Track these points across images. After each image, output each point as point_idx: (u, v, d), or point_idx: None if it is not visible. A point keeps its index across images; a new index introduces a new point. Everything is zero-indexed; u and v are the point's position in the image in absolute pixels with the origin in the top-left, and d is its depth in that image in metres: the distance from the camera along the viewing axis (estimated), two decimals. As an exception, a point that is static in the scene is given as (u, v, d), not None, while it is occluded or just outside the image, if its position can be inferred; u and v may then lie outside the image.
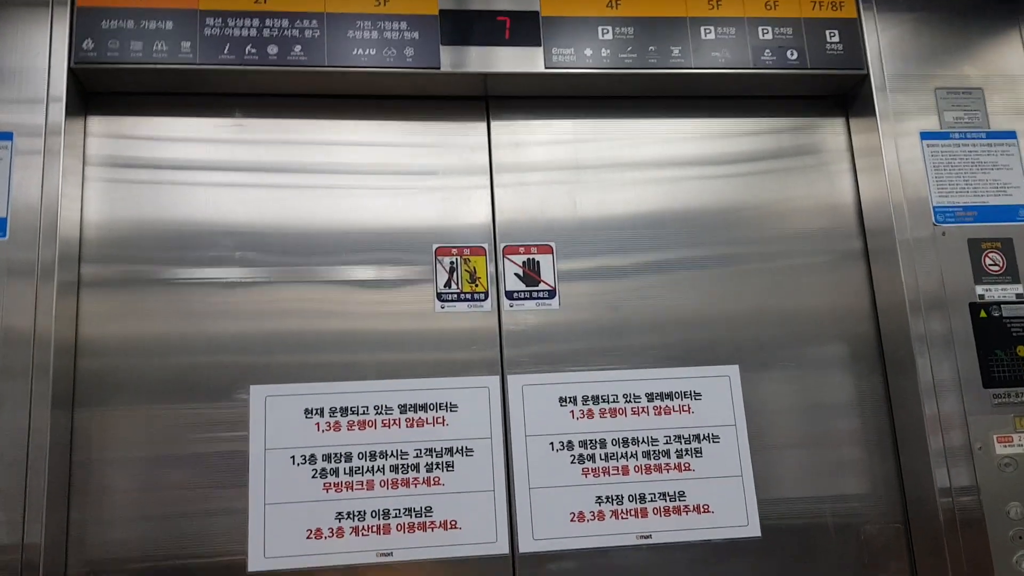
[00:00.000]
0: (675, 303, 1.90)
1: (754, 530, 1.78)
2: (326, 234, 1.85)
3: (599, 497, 1.77)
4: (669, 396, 1.83)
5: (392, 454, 1.75)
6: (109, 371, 1.72)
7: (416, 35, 1.84)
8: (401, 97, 1.93)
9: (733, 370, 1.86)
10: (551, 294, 1.87)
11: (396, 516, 1.72)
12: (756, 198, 1.99)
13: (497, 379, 1.81)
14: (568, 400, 1.81)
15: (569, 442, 1.79)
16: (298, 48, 1.79)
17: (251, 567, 1.66)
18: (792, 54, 1.94)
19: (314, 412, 1.75)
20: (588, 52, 1.88)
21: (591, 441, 1.79)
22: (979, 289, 1.85)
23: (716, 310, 1.91)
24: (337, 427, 1.75)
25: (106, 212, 1.80)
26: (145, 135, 1.85)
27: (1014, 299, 1.85)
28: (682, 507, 1.78)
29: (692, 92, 2.00)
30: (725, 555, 1.78)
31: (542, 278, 1.87)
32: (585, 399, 1.81)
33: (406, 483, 1.74)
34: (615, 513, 1.76)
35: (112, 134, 1.84)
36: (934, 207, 1.89)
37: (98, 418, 1.70)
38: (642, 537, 1.76)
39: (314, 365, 1.78)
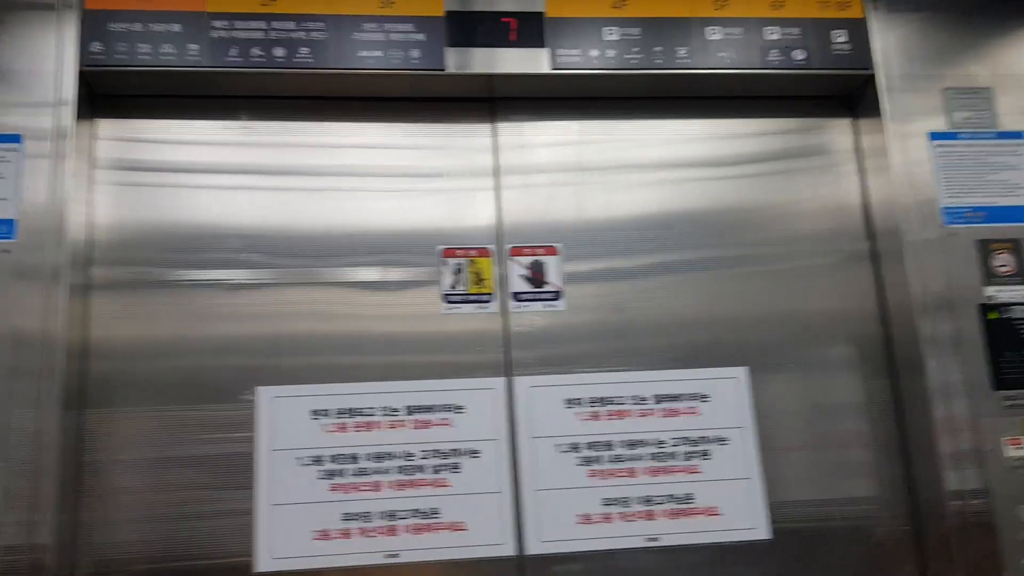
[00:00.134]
0: (682, 305, 1.89)
1: (763, 533, 1.77)
2: (332, 236, 1.85)
3: (606, 499, 1.76)
4: (676, 398, 1.82)
5: (398, 455, 1.75)
6: (118, 373, 1.73)
7: (422, 37, 1.84)
8: (407, 99, 1.94)
9: (741, 372, 1.85)
10: (557, 296, 1.87)
11: (403, 517, 1.72)
12: (763, 199, 1.98)
13: (503, 381, 1.81)
14: (574, 402, 1.80)
15: (576, 444, 1.78)
16: (304, 50, 1.80)
17: (257, 568, 1.66)
18: (799, 54, 1.93)
19: (320, 413, 1.75)
20: (594, 53, 1.88)
21: (598, 443, 1.79)
22: (988, 290, 1.84)
23: (723, 312, 1.90)
24: (343, 428, 1.75)
25: (114, 215, 1.81)
26: (153, 138, 1.86)
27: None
28: (690, 509, 1.77)
29: (698, 93, 2.00)
30: (734, 558, 1.77)
31: (548, 280, 1.87)
32: (591, 401, 1.81)
33: (413, 484, 1.73)
34: (622, 515, 1.75)
35: (120, 137, 1.85)
36: (942, 208, 1.88)
37: (107, 420, 1.71)
38: (650, 540, 1.75)
39: (320, 367, 1.78)
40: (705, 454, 1.80)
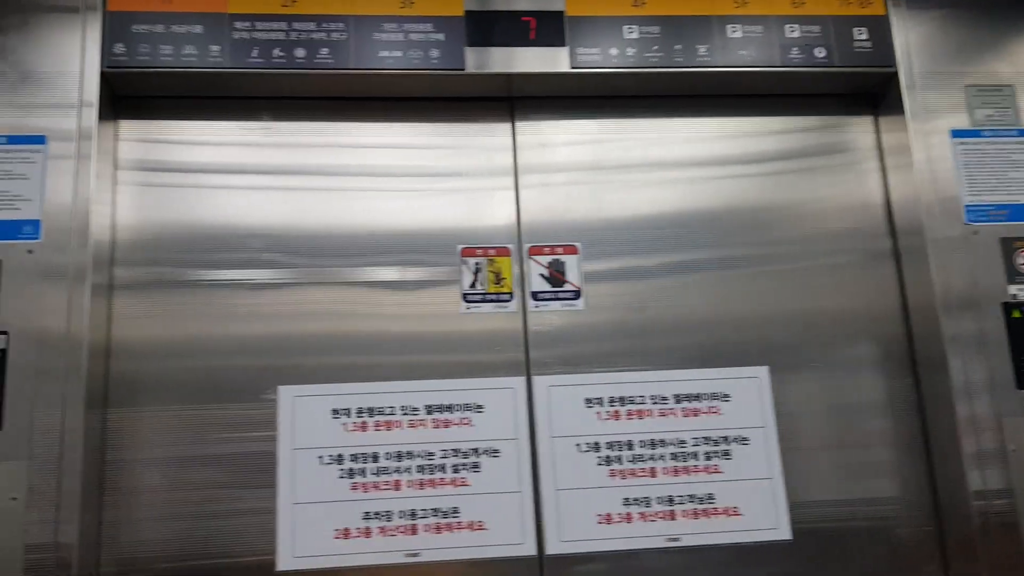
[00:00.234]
0: (702, 304, 1.89)
1: (784, 533, 1.76)
2: (353, 236, 1.86)
3: (626, 499, 1.76)
4: (697, 397, 1.82)
5: (418, 454, 1.75)
6: (140, 372, 1.74)
7: (441, 36, 1.84)
8: (426, 99, 1.94)
9: (762, 371, 1.85)
10: (576, 295, 1.86)
11: (423, 516, 1.72)
12: (783, 197, 1.97)
13: (523, 380, 1.81)
14: (594, 401, 1.80)
15: (596, 443, 1.78)
16: (325, 51, 1.81)
17: (279, 567, 1.67)
18: (820, 52, 1.92)
19: (341, 412, 1.76)
20: (613, 51, 1.87)
21: (618, 443, 1.78)
22: (1012, 289, 1.82)
23: (744, 311, 1.89)
24: (364, 427, 1.75)
25: (137, 215, 1.82)
26: (175, 139, 1.87)
27: (1049, 299, 1.82)
28: (711, 510, 1.76)
29: (718, 91, 1.99)
30: (755, 558, 1.76)
31: (567, 279, 1.87)
32: (611, 400, 1.80)
33: (432, 484, 1.74)
34: (643, 515, 1.75)
35: (142, 138, 1.87)
36: (965, 206, 1.86)
37: (129, 419, 1.72)
38: (670, 540, 1.75)
39: (341, 366, 1.79)
40: (726, 454, 1.80)
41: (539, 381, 1.81)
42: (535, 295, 1.86)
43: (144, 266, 1.80)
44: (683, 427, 1.80)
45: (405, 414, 1.77)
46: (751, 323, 1.89)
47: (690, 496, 1.77)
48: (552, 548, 1.72)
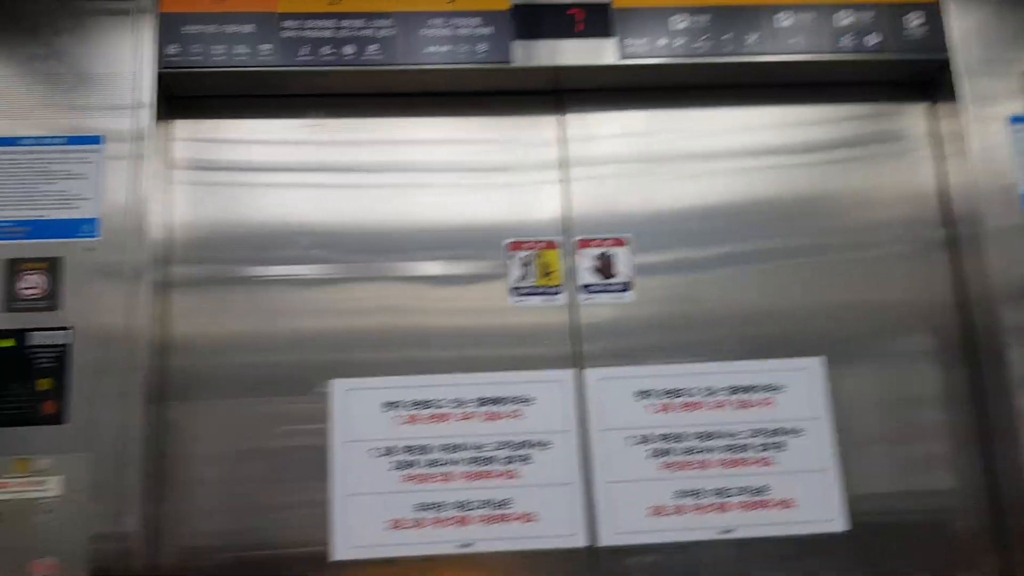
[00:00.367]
0: (753, 295, 1.87)
1: (840, 525, 1.75)
2: (402, 232, 1.87)
3: (679, 491, 1.75)
4: (750, 389, 1.81)
5: (470, 447, 1.76)
6: (196, 368, 1.77)
7: (488, 30, 1.85)
8: (474, 93, 1.94)
9: (816, 362, 1.83)
10: (626, 287, 1.86)
11: (475, 508, 1.73)
12: (835, 187, 1.95)
13: (573, 373, 1.81)
14: (645, 394, 1.80)
15: (647, 436, 1.78)
16: (373, 47, 1.82)
17: (334, 557, 1.69)
18: (872, 39, 1.89)
19: (392, 406, 1.77)
20: (662, 42, 1.86)
21: (669, 435, 1.78)
22: (1072, 277, 1.79)
23: (796, 302, 1.87)
24: (415, 420, 1.77)
25: (190, 214, 1.85)
26: (226, 138, 1.90)
27: (1111, 287, 1.78)
28: (765, 501, 1.75)
29: (768, 80, 1.97)
30: (810, 550, 1.75)
31: (617, 271, 1.87)
32: (663, 393, 1.80)
33: (484, 475, 1.75)
34: (696, 508, 1.75)
35: (194, 137, 1.90)
36: (1023, 193, 1.82)
37: (187, 413, 1.75)
38: (724, 532, 1.74)
39: (392, 361, 1.80)
40: (780, 446, 1.78)
41: (589, 374, 1.81)
42: (584, 288, 1.86)
43: (198, 264, 1.83)
44: (736, 419, 1.79)
45: (455, 407, 1.78)
46: (804, 314, 1.87)
47: (743, 488, 1.76)
48: (604, 540, 1.73)
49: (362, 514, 1.71)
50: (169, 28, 1.80)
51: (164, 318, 1.78)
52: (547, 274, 1.86)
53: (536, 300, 1.85)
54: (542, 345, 1.83)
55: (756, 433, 1.79)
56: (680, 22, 1.88)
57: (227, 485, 1.72)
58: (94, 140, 1.74)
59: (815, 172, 1.95)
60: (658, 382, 1.81)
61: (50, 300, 1.65)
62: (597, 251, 1.88)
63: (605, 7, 1.87)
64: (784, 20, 1.88)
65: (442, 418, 1.77)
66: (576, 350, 1.83)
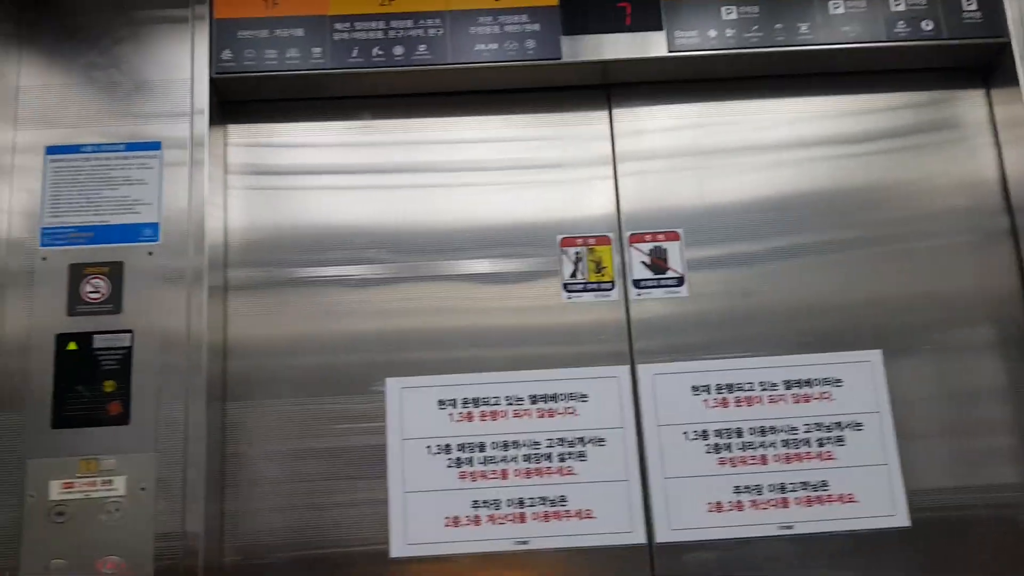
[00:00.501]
0: (810, 288, 1.85)
1: (902, 520, 1.72)
2: (454, 230, 1.88)
3: (737, 487, 1.74)
4: (807, 383, 1.78)
5: (524, 444, 1.76)
6: (255, 369, 1.80)
7: (537, 27, 1.85)
8: (523, 90, 1.94)
9: (875, 355, 1.80)
10: (680, 282, 1.85)
11: (531, 505, 1.73)
12: (892, 177, 1.91)
13: (627, 369, 1.80)
14: (701, 389, 1.78)
15: (704, 431, 1.76)
16: (423, 47, 1.83)
17: (393, 553, 1.70)
18: (927, 24, 1.85)
19: (447, 403, 1.78)
20: (712, 33, 1.85)
21: (727, 430, 1.76)
22: None
23: (853, 294, 1.85)
24: (470, 417, 1.78)
25: (246, 217, 1.88)
26: (279, 142, 1.92)
27: None
28: (825, 496, 1.73)
29: (821, 69, 1.94)
30: (871, 546, 1.72)
31: (670, 266, 1.85)
32: (719, 387, 1.78)
33: (539, 472, 1.75)
34: (754, 503, 1.73)
35: (249, 142, 1.92)
36: (1085, 179, 1.78)
37: (246, 414, 1.78)
38: (783, 527, 1.72)
39: (446, 359, 1.81)
40: (839, 440, 1.76)
41: (643, 369, 1.80)
42: (637, 283, 1.85)
43: (255, 267, 1.85)
44: (794, 413, 1.77)
45: (510, 404, 1.78)
46: (861, 306, 1.84)
47: (803, 483, 1.74)
48: (662, 536, 1.72)
49: (419, 511, 1.73)
50: (223, 34, 1.83)
51: (223, 320, 1.80)
52: (599, 270, 1.85)
53: (589, 296, 1.85)
54: (595, 341, 1.82)
55: (814, 427, 1.76)
56: (730, 12, 1.86)
57: (287, 484, 1.75)
58: (153, 146, 1.77)
59: (870, 162, 1.92)
60: (714, 377, 1.79)
61: (113, 303, 1.69)
62: (650, 245, 1.87)
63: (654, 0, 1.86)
64: (837, 7, 1.85)
65: (497, 415, 1.78)
66: (630, 346, 1.82)
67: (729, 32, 1.85)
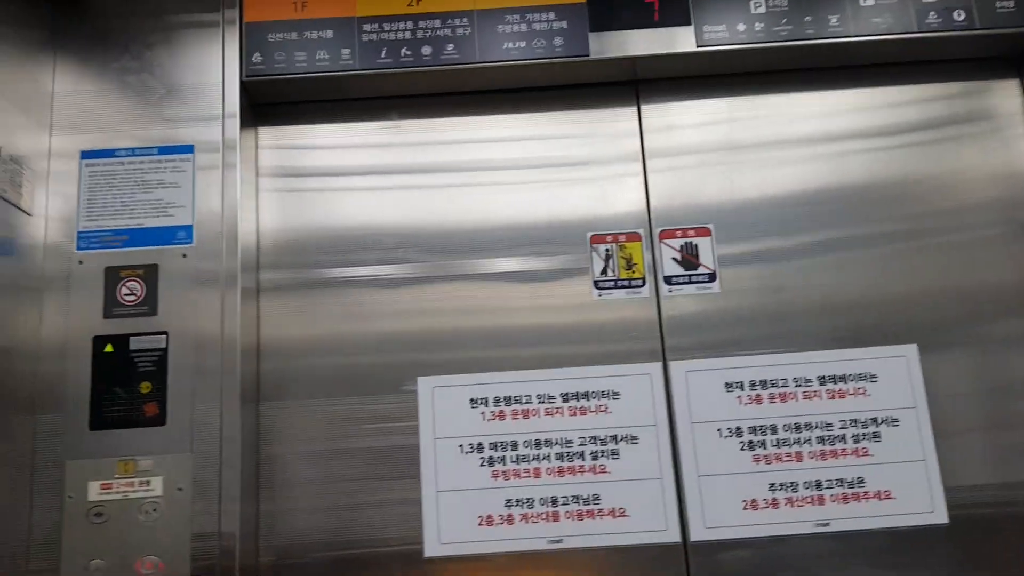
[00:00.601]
0: (843, 283, 1.83)
1: (940, 517, 1.70)
2: (484, 229, 1.88)
3: (772, 484, 1.72)
4: (842, 379, 1.77)
5: (557, 442, 1.76)
6: (288, 370, 1.81)
7: (564, 24, 1.84)
8: (551, 88, 1.94)
9: (910, 350, 1.78)
10: (711, 277, 1.84)
11: (564, 503, 1.73)
12: (925, 169, 1.89)
13: (659, 366, 1.79)
14: (735, 385, 1.77)
15: (738, 428, 1.75)
16: (450, 47, 1.83)
17: (427, 553, 1.71)
18: (959, 15, 1.83)
19: (479, 402, 1.78)
20: (741, 27, 1.83)
21: (761, 427, 1.75)
22: None
23: (887, 289, 1.83)
24: (502, 416, 1.77)
25: (277, 219, 1.89)
26: (309, 144, 1.94)
27: None
28: (861, 493, 1.71)
29: (852, 62, 1.92)
30: (909, 543, 1.70)
31: (701, 262, 1.84)
32: (752, 384, 1.77)
33: (572, 471, 1.75)
34: (790, 500, 1.72)
35: (279, 144, 1.94)
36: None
37: (280, 415, 1.79)
38: (820, 525, 1.70)
39: (477, 358, 1.81)
40: (876, 436, 1.74)
41: (676, 366, 1.79)
42: (668, 279, 1.84)
43: (287, 269, 1.87)
44: (829, 409, 1.76)
45: (541, 402, 1.78)
46: (895, 301, 1.82)
47: (839, 480, 1.72)
48: (696, 535, 1.71)
49: (453, 510, 1.73)
50: (253, 37, 1.84)
51: (256, 322, 1.82)
52: (630, 267, 1.85)
53: (620, 293, 1.84)
54: (627, 339, 1.82)
55: (850, 424, 1.75)
56: (759, 6, 1.84)
57: (321, 484, 1.75)
58: (186, 149, 1.78)
59: (902, 155, 1.90)
60: (747, 373, 1.78)
61: (148, 306, 1.70)
62: (681, 241, 1.86)
63: (683, -6, 1.86)
64: (867, -1, 1.84)
65: (528, 414, 1.78)
66: (662, 343, 1.81)
67: (758, 26, 1.83)
